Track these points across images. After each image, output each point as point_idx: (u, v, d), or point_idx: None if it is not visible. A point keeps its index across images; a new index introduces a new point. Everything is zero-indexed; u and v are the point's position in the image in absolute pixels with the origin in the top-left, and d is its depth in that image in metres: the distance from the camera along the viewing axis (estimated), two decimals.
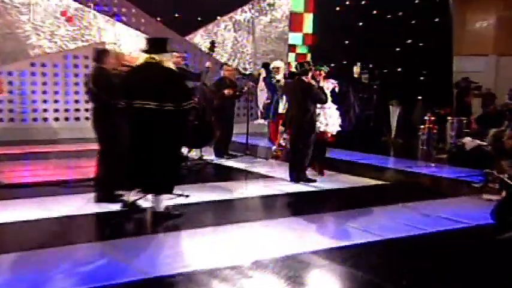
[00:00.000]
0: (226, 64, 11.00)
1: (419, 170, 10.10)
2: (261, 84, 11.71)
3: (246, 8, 15.87)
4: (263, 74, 11.75)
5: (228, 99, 10.44)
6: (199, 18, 14.95)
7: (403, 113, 14.21)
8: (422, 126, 13.14)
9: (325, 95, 8.57)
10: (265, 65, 12.00)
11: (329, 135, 8.92)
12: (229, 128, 10.69)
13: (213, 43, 10.02)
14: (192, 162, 9.63)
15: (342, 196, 8.02)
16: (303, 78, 8.43)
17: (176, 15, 14.19)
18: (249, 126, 10.97)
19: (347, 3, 16.12)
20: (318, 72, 8.80)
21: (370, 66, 15.99)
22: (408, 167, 10.36)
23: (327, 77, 8.98)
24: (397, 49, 16.48)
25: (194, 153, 10.02)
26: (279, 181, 8.61)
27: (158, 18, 14.11)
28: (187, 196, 7.06)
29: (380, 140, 14.08)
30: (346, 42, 16.32)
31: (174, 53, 8.93)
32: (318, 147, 8.84)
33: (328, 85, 8.92)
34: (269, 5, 16.09)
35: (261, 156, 10.84)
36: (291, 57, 16.08)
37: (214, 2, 14.61)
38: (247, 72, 15.15)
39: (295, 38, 16.38)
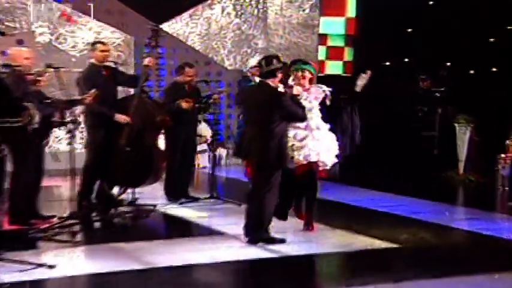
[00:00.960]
0: (187, 64, 10.38)
1: (470, 225, 9.31)
2: None
3: None
4: None
5: (186, 115, 9.94)
6: None
7: (480, 136, 13.28)
8: (502, 156, 12.37)
9: (303, 108, 7.86)
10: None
11: (320, 167, 8.26)
12: (187, 158, 10.25)
13: (156, 32, 9.72)
14: (116, 209, 9.22)
15: (313, 269, 7.40)
16: (269, 82, 7.78)
17: None
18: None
19: None
20: (299, 73, 8.23)
21: (448, 64, 15.50)
22: (458, 220, 9.75)
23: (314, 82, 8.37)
24: (491, 39, 15.70)
25: (125, 195, 9.58)
26: (228, 240, 8.00)
27: None
28: (51, 267, 6.51)
29: (443, 175, 13.33)
30: (409, 30, 15.90)
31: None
32: (305, 184, 8.27)
33: (317, 94, 8.31)
34: None
35: (234, 201, 10.26)
36: (322, 52, 15.73)
37: None
38: None
39: (331, 24, 16.06)
